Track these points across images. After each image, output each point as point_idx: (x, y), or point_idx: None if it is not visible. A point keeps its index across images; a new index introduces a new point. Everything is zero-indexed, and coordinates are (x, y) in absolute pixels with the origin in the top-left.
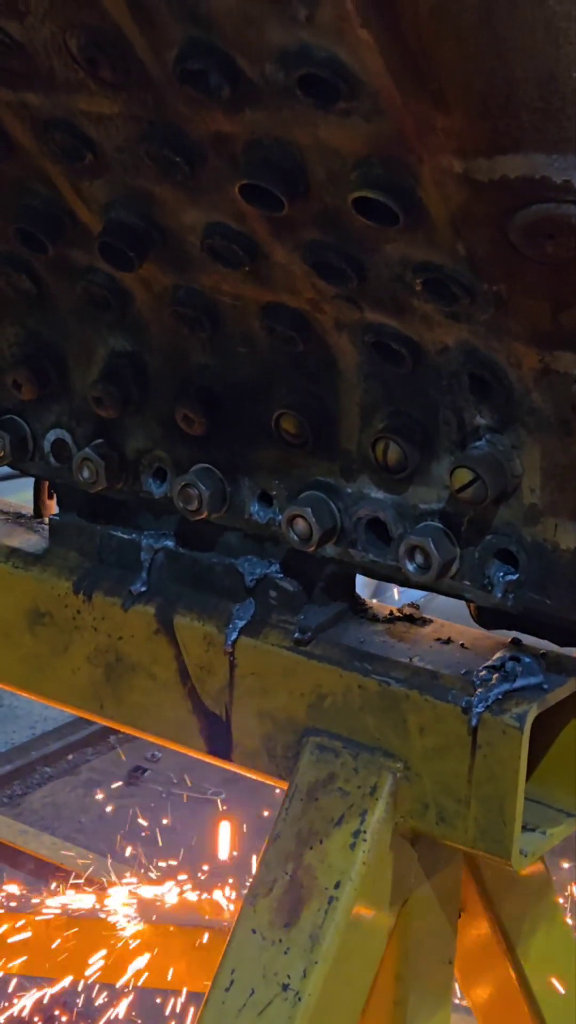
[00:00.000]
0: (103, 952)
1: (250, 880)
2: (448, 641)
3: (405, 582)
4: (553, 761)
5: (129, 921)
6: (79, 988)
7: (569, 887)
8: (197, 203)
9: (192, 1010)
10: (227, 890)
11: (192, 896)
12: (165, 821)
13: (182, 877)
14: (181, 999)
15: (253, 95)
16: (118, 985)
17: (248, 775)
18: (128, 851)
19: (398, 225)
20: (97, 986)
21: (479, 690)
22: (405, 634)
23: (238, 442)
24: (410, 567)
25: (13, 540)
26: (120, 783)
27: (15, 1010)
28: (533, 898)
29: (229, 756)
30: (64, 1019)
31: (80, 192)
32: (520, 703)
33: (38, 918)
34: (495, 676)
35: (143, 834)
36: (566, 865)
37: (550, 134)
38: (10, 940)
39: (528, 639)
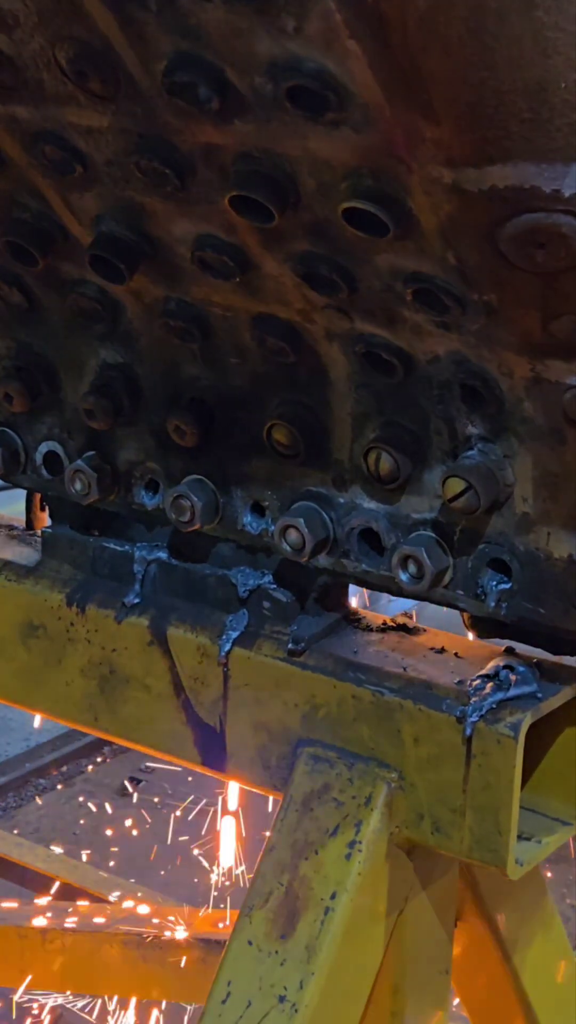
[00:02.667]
0: None
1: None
2: (442, 650)
3: (398, 592)
4: (548, 770)
5: None
6: None
7: None
8: (187, 215)
9: None
10: None
11: None
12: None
13: None
14: None
15: (242, 107)
16: None
17: (243, 786)
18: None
19: (388, 235)
20: None
21: (473, 699)
22: (399, 644)
23: (230, 453)
24: (403, 577)
25: (5, 553)
26: (114, 794)
27: None
28: (529, 907)
29: (223, 768)
30: None
31: (70, 205)
32: (514, 712)
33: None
34: (489, 685)
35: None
36: None
37: (539, 144)
38: None
39: (522, 647)
